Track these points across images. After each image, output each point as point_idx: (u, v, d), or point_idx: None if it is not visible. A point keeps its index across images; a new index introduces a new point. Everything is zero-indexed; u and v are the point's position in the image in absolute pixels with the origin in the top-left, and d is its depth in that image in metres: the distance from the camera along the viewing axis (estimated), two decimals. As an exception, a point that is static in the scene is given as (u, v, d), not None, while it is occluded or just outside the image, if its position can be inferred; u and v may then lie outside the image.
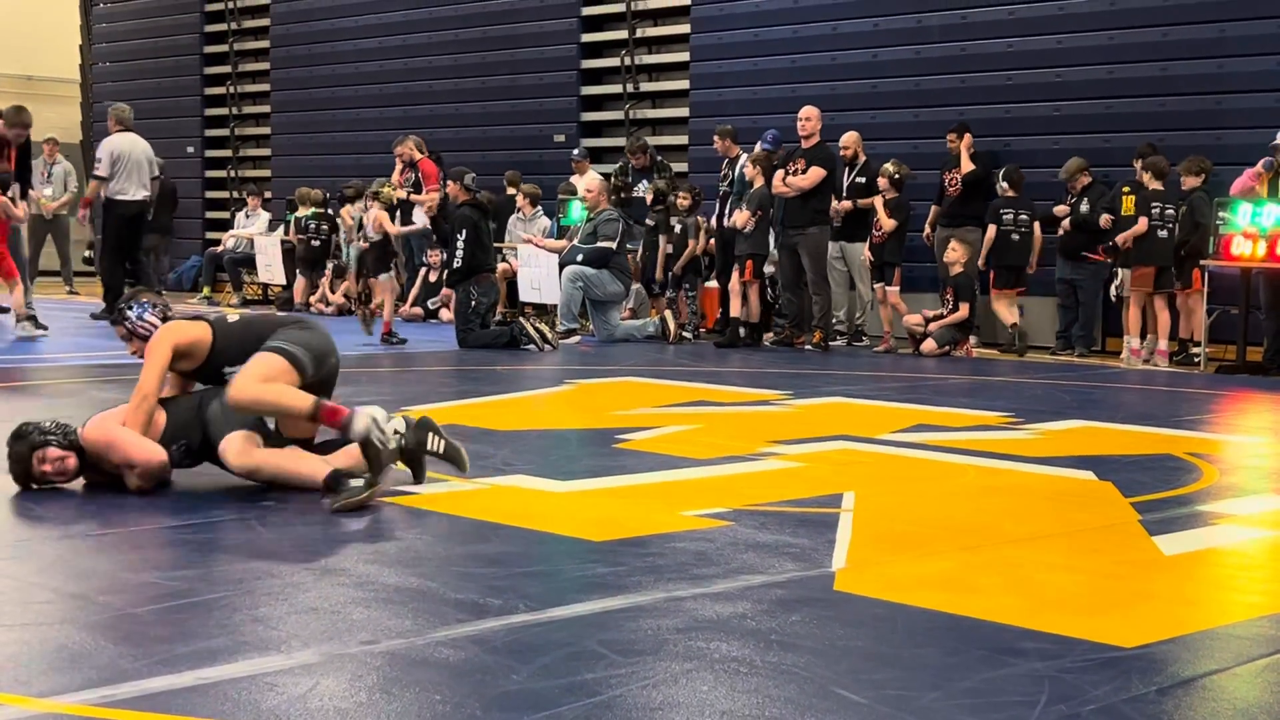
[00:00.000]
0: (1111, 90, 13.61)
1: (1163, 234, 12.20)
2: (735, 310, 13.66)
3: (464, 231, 12.54)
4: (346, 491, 5.34)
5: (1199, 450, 7.39)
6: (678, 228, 14.38)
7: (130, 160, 14.95)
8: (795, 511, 5.51)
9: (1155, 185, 12.28)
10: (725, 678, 3.40)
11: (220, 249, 19.77)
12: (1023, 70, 14.15)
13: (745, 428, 7.97)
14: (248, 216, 19.71)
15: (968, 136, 13.74)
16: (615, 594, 4.16)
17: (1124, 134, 13.37)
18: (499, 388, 9.89)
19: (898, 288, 13.45)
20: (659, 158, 15.51)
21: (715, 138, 14.56)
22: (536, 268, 15.14)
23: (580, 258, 13.83)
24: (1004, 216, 13.22)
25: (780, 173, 13.24)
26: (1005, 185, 13.27)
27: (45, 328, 12.75)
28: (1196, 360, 12.16)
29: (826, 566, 4.60)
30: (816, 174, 13.05)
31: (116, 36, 24.27)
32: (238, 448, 5.59)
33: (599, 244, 13.76)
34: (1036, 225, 13.32)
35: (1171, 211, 12.21)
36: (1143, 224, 12.19)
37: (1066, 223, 13.13)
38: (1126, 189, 12.43)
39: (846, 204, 13.58)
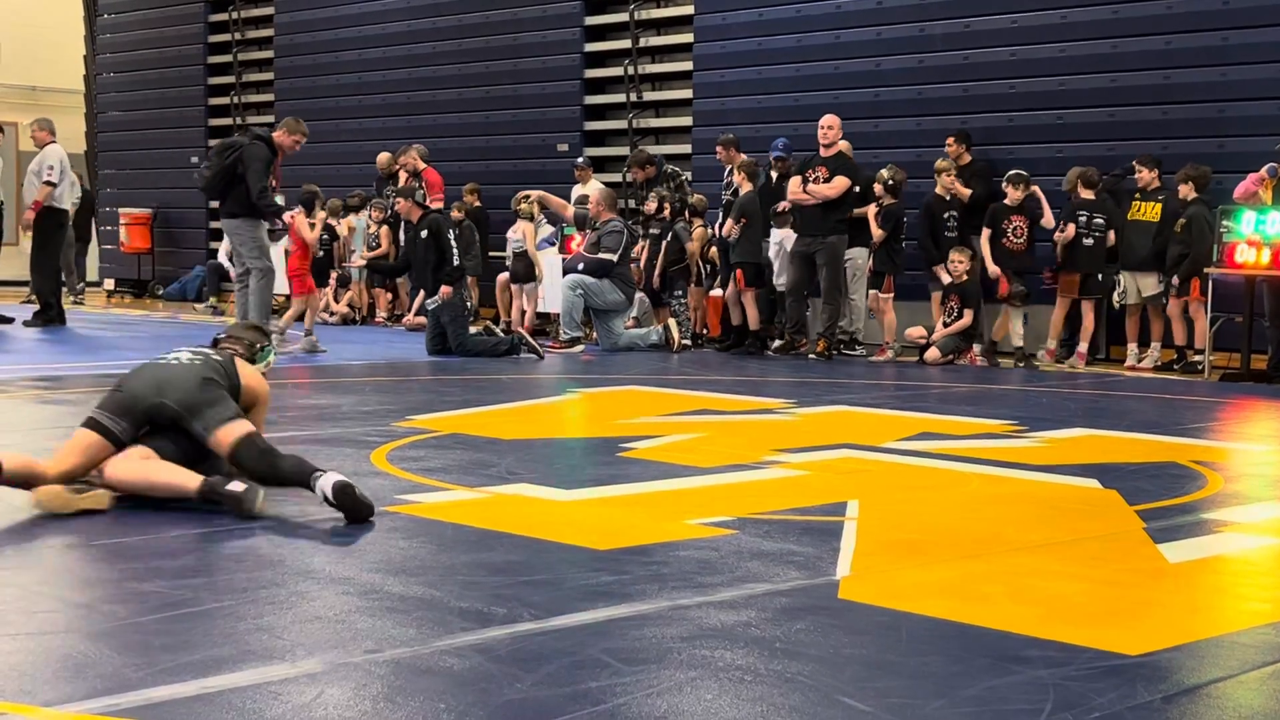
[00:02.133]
0: (1114, 99, 13.62)
1: (1088, 241, 12.62)
2: (735, 318, 13.72)
3: (451, 232, 12.74)
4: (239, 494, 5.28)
5: (1204, 458, 7.39)
6: (668, 235, 14.41)
7: (68, 170, 15.80)
8: (799, 520, 5.51)
9: (1086, 194, 12.73)
10: (730, 686, 3.40)
11: (225, 257, 19.71)
12: (1026, 79, 14.14)
13: (749, 436, 7.96)
14: None
15: (962, 151, 13.75)
16: (619, 602, 4.16)
17: (1127, 142, 13.36)
18: (503, 397, 9.89)
19: (890, 295, 13.42)
20: (669, 167, 15.36)
21: (718, 147, 14.59)
22: (544, 277, 15.20)
23: (581, 266, 13.87)
24: (1079, 219, 12.75)
25: (797, 180, 13.25)
26: (1080, 185, 12.90)
27: (325, 350, 12.94)
28: (1200, 368, 12.16)
29: (831, 575, 4.59)
30: (841, 183, 13.07)
31: (120, 47, 24.32)
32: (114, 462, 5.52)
33: (600, 255, 13.78)
34: (1110, 234, 12.84)
35: (1100, 220, 12.66)
36: (1070, 230, 12.61)
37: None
38: (1137, 195, 12.60)
39: (868, 209, 13.50)
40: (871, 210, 13.40)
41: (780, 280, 13.83)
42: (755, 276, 13.74)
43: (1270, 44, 12.75)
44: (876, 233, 13.30)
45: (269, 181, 12.61)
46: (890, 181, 13.35)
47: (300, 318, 13.72)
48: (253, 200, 12.41)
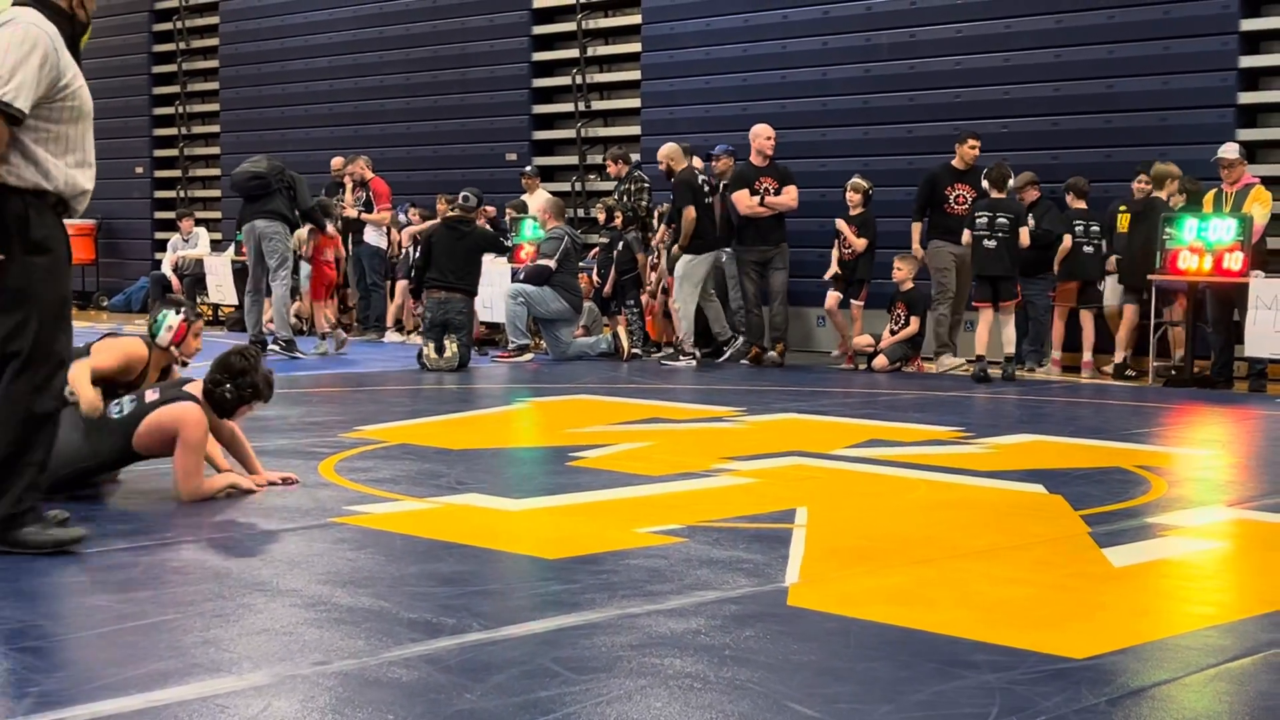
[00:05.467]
0: (1058, 107, 13.74)
1: (1088, 250, 12.59)
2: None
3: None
4: None
5: (1148, 463, 7.46)
6: (619, 245, 14.38)
7: None
8: (748, 527, 5.53)
9: (1079, 204, 12.71)
10: (679, 694, 3.40)
11: (170, 268, 19.54)
12: (970, 88, 14.25)
13: (698, 444, 7.98)
14: (185, 240, 19.55)
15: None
16: (569, 611, 4.15)
17: (1071, 150, 13.48)
18: (452, 407, 9.87)
19: (863, 303, 13.46)
20: (637, 172, 15.24)
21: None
22: (488, 286, 15.13)
23: (521, 275, 13.91)
24: (977, 220, 12.28)
25: (744, 193, 13.22)
26: (986, 184, 12.48)
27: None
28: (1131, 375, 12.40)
29: (779, 582, 4.61)
30: (795, 192, 13.24)
31: (64, 56, 24.06)
32: None
33: (538, 263, 13.81)
34: (1023, 232, 12.27)
35: (1096, 229, 12.59)
36: (1068, 241, 12.55)
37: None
38: (1123, 208, 12.65)
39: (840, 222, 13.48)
40: (843, 223, 13.40)
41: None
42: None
43: (1210, 53, 12.90)
44: (860, 243, 13.29)
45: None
46: (870, 191, 13.39)
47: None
48: (306, 206, 13.70)
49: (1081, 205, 12.70)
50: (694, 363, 13.19)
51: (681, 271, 13.28)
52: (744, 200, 13.26)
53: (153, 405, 5.84)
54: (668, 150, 13.74)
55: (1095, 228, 12.57)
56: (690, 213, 13.08)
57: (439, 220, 13.75)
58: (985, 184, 12.45)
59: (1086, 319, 12.72)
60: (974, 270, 12.37)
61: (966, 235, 12.38)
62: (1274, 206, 12.00)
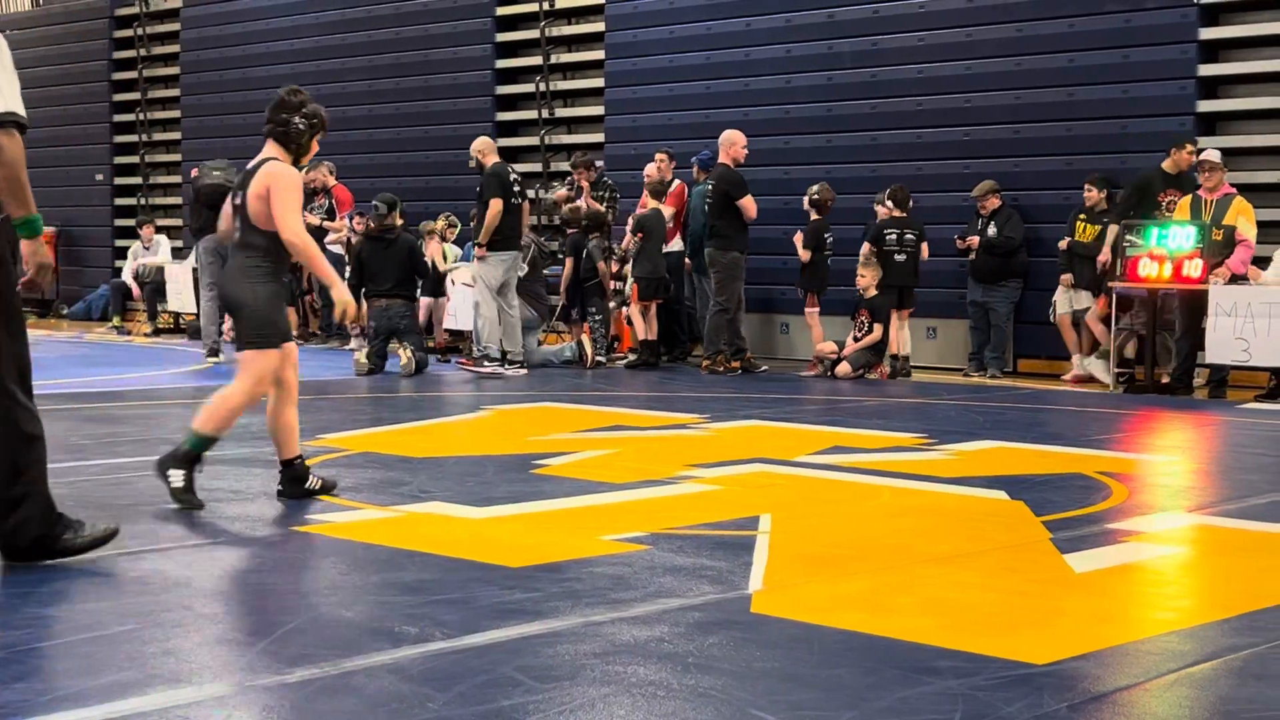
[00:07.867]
0: (1019, 115, 13.81)
1: (900, 257, 13.08)
2: (640, 333, 13.76)
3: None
4: None
5: (1109, 469, 7.50)
6: (582, 253, 14.34)
7: None
8: (712, 534, 5.53)
9: (897, 212, 13.17)
10: (643, 701, 3.40)
11: (131, 276, 19.43)
12: (932, 96, 14.31)
13: (662, 452, 7.98)
14: (146, 247, 19.44)
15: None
16: (532, 620, 4.14)
17: (1032, 158, 13.55)
18: (415, 414, 9.84)
19: (816, 309, 13.52)
20: (606, 179, 15.21)
21: (657, 160, 14.56)
22: (455, 295, 15.10)
23: None
24: (887, 236, 13.15)
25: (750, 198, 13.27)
26: (890, 205, 13.22)
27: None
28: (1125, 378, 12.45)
29: (743, 589, 4.61)
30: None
31: (23, 63, 23.63)
32: None
33: None
34: (924, 246, 13.21)
35: (911, 238, 13.14)
36: (866, 248, 13.09)
37: (974, 241, 13.28)
38: (1083, 216, 12.73)
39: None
40: (800, 237, 13.47)
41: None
42: (651, 290, 13.78)
43: (1169, 61, 12.99)
44: (804, 254, 13.34)
45: None
46: (816, 197, 13.45)
47: None
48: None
49: (898, 214, 13.15)
50: (503, 370, 12.78)
51: (478, 272, 13.02)
52: (753, 205, 13.20)
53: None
54: (480, 144, 13.60)
55: (909, 236, 13.14)
56: (496, 204, 12.78)
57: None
58: (889, 204, 13.23)
59: (903, 323, 13.17)
60: (884, 280, 13.06)
61: (866, 248, 13.13)
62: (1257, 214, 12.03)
